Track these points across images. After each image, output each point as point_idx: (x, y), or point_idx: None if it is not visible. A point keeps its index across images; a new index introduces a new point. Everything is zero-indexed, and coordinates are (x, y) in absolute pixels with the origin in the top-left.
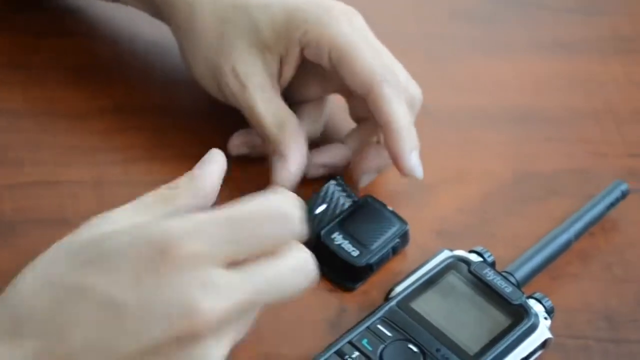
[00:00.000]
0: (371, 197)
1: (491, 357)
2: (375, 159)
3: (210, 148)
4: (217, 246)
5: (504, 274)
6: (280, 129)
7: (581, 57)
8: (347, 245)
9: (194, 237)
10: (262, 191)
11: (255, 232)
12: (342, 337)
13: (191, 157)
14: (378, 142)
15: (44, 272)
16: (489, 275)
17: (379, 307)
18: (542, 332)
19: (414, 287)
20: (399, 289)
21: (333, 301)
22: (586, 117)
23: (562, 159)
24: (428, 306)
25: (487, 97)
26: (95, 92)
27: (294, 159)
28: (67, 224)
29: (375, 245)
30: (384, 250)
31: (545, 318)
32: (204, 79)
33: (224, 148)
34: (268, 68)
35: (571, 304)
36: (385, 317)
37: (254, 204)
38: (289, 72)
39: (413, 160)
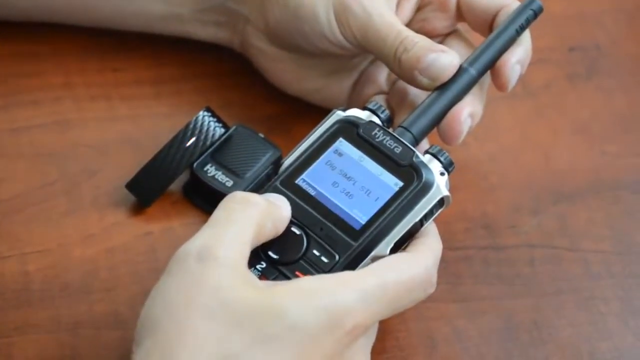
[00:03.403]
0: (241, 125)
1: (381, 226)
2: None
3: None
4: (377, 318)
5: (400, 129)
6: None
7: None
8: (221, 176)
9: (363, 310)
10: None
11: (405, 302)
12: None
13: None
14: None
15: (218, 351)
16: (378, 136)
17: (265, 187)
18: (437, 190)
19: (300, 160)
20: (287, 162)
21: None
22: None
23: None
24: (315, 180)
25: None
26: None
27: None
28: None
29: (249, 174)
30: (259, 178)
31: (442, 174)
32: (316, 19)
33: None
34: (389, 3)
35: (448, 215)
36: None
37: (414, 270)
38: (407, 12)
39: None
